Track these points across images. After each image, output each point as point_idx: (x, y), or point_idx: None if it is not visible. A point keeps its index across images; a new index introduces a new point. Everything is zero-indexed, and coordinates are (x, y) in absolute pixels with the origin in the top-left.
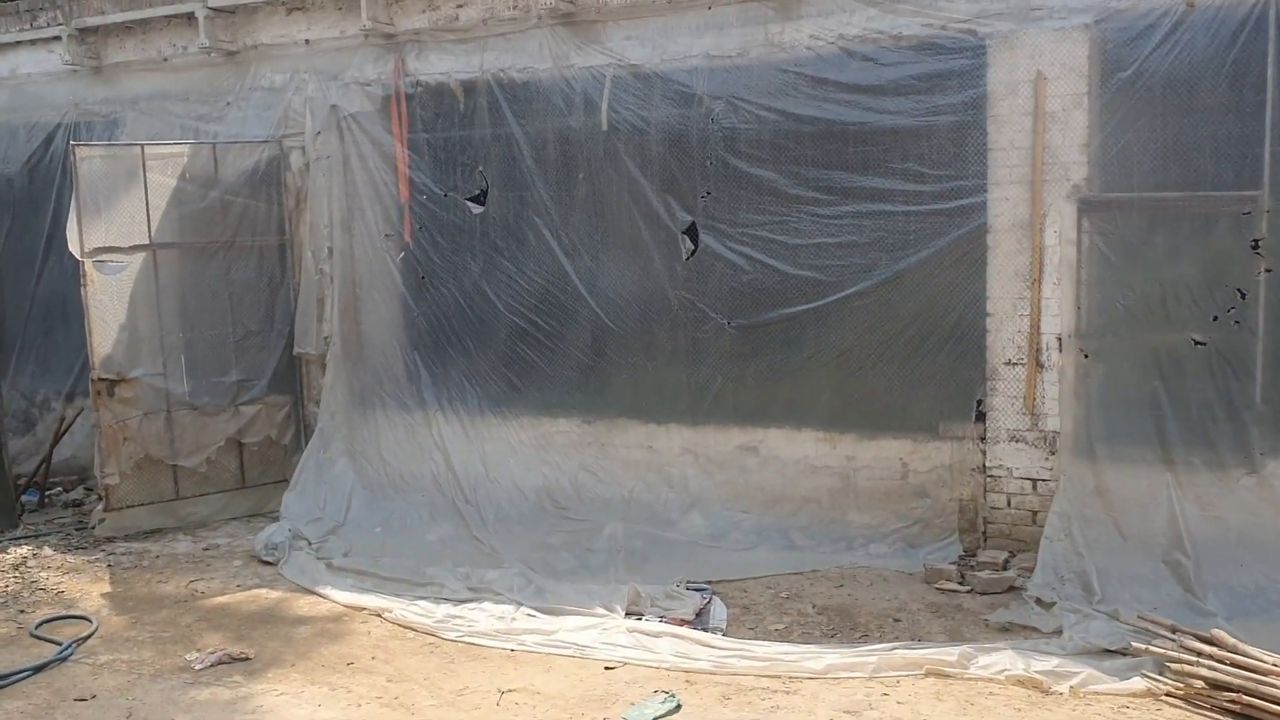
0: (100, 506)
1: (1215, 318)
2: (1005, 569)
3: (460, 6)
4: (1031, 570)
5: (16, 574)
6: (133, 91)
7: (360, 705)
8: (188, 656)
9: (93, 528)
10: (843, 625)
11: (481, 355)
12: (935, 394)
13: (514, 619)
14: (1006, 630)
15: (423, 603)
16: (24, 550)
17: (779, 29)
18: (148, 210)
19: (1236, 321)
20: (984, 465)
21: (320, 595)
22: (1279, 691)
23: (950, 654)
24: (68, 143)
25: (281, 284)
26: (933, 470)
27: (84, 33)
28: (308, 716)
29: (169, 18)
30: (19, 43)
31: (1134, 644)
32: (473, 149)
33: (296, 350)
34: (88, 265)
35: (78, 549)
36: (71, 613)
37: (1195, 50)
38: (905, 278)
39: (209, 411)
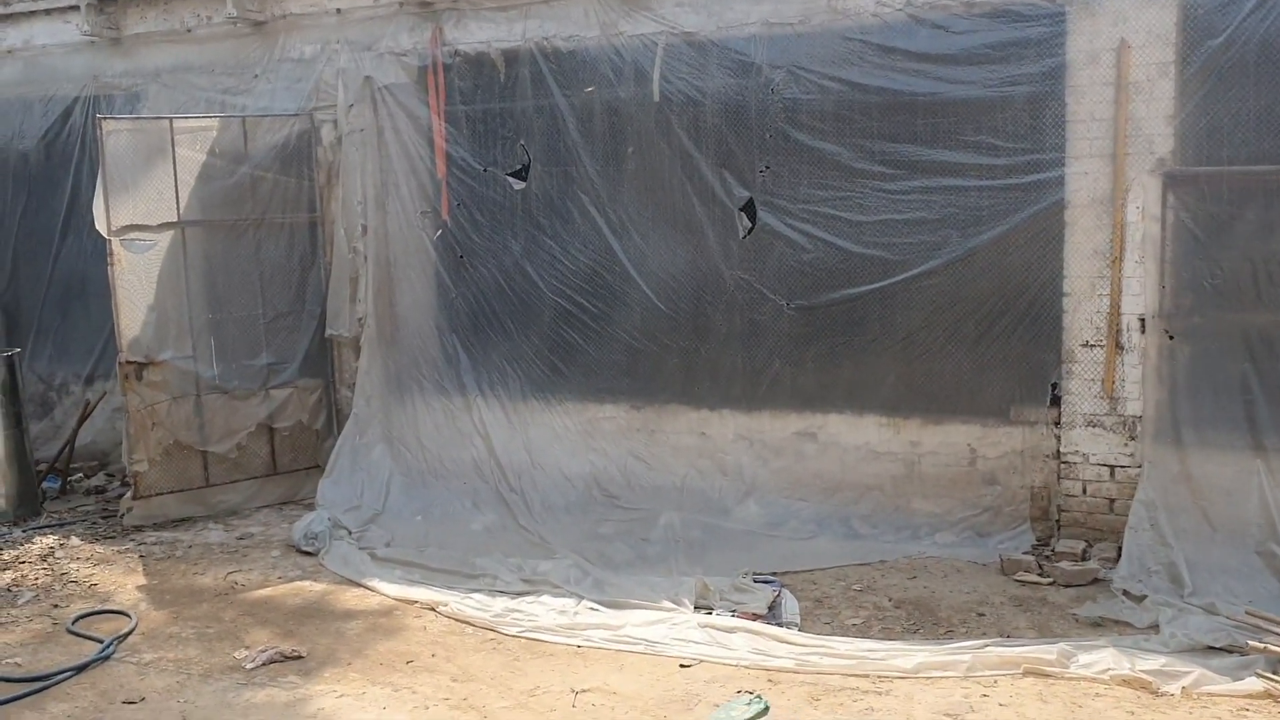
0: (128, 494)
1: None
2: (1085, 559)
3: None
4: (1113, 561)
5: (45, 565)
6: (154, 64)
7: (428, 708)
8: (237, 655)
9: (121, 516)
10: (924, 620)
11: (523, 338)
12: (1007, 377)
13: (576, 613)
14: (1098, 625)
15: (477, 595)
16: (50, 540)
17: None
18: (176, 186)
19: None
20: (1058, 451)
21: (367, 588)
22: None
23: (1048, 652)
24: (87, 117)
25: (313, 263)
26: (1003, 456)
27: (103, 2)
28: None
29: None
30: (33, 12)
31: (1249, 642)
32: (514, 122)
33: (328, 332)
34: (115, 244)
35: (106, 538)
36: (108, 607)
37: None
38: (977, 256)
39: (239, 395)
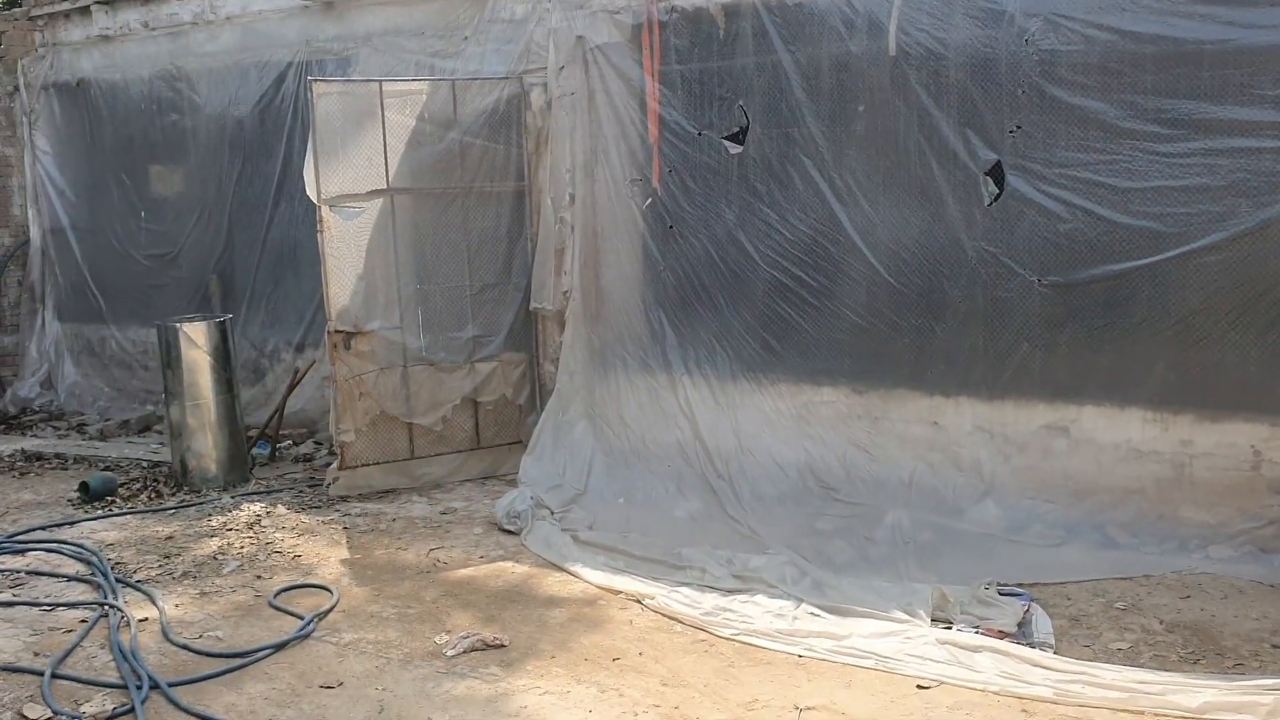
0: (334, 464)
1: None
2: None
3: None
4: None
5: (251, 533)
6: (365, 28)
7: (637, 715)
8: (437, 640)
9: (327, 486)
10: (1204, 649)
11: (734, 313)
12: None
13: (795, 617)
14: None
15: (685, 590)
16: (257, 507)
17: None
18: (385, 152)
19: None
20: None
21: (570, 573)
22: None
23: None
24: (299, 83)
25: (519, 234)
26: None
27: None
28: None
29: None
30: None
31: None
32: (733, 81)
33: (533, 305)
34: (325, 211)
35: (312, 508)
36: (310, 581)
37: None
38: (1272, 229)
39: (445, 368)
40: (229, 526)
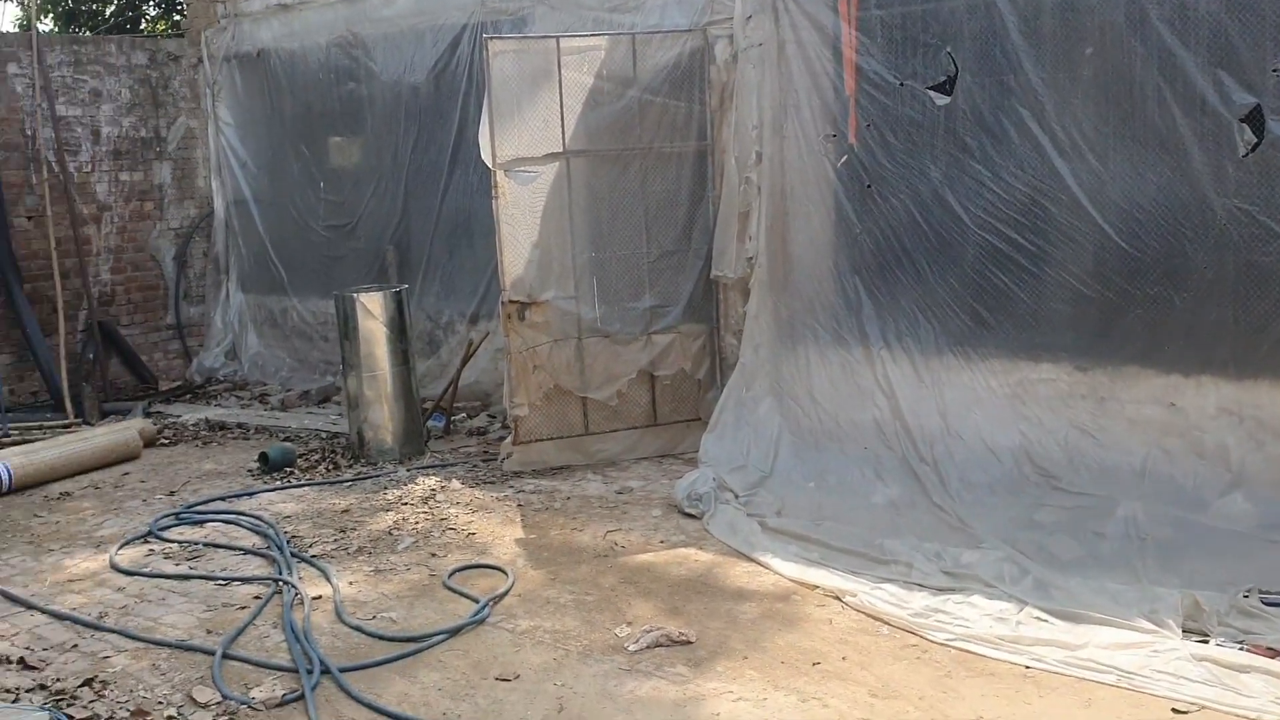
0: (508, 439)
1: None
2: None
3: None
4: None
5: (426, 509)
6: None
7: None
8: (618, 632)
9: (501, 461)
10: None
11: (940, 281)
12: None
13: (1019, 622)
14: None
15: (889, 586)
16: (432, 481)
17: None
18: (562, 113)
19: None
20: None
21: (759, 563)
22: None
23: None
24: (474, 46)
25: (701, 198)
26: None
27: None
28: None
29: None
30: None
31: None
32: (939, 25)
33: (714, 273)
34: (500, 176)
35: (486, 483)
36: (484, 561)
37: None
38: None
39: (620, 340)
40: (404, 501)
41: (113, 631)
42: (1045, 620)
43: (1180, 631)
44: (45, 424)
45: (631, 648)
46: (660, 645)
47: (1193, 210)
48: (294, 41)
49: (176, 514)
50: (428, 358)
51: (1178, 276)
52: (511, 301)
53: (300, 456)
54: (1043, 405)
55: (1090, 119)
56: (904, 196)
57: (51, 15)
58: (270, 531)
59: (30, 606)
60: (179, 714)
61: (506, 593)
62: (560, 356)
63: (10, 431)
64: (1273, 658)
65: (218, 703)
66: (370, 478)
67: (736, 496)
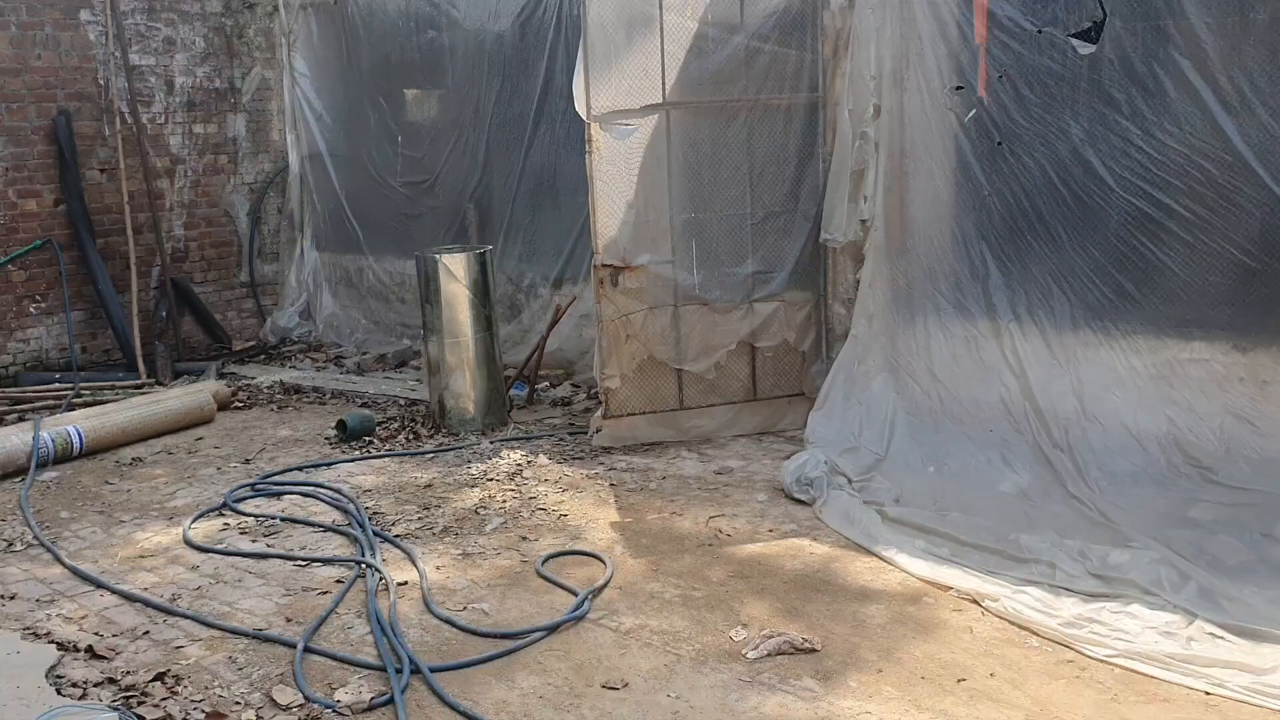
0: (598, 413)
1: None
2: None
3: None
4: None
5: (513, 485)
6: None
7: None
8: (733, 635)
9: (590, 436)
10: None
11: (1078, 249)
12: None
13: (1190, 638)
14: None
15: (1033, 590)
16: (518, 455)
17: None
18: (663, 61)
19: None
20: None
21: (881, 558)
22: None
23: None
24: None
25: (810, 154)
26: None
27: None
28: None
29: None
30: None
31: None
32: None
33: (823, 236)
34: (595, 129)
35: (574, 459)
36: (579, 547)
37: None
38: None
39: (719, 308)
40: (489, 476)
41: (186, 617)
42: (1220, 637)
43: None
44: (117, 384)
45: (750, 654)
46: (783, 653)
47: None
48: None
49: (252, 485)
50: (508, 322)
51: None
52: (604, 266)
53: (379, 424)
54: (1194, 388)
55: (1263, 69)
56: (1039, 155)
57: None
58: (351, 507)
59: (100, 585)
60: (258, 717)
61: (606, 584)
62: (655, 325)
63: (82, 391)
64: None
65: (299, 705)
66: (452, 449)
67: (850, 481)
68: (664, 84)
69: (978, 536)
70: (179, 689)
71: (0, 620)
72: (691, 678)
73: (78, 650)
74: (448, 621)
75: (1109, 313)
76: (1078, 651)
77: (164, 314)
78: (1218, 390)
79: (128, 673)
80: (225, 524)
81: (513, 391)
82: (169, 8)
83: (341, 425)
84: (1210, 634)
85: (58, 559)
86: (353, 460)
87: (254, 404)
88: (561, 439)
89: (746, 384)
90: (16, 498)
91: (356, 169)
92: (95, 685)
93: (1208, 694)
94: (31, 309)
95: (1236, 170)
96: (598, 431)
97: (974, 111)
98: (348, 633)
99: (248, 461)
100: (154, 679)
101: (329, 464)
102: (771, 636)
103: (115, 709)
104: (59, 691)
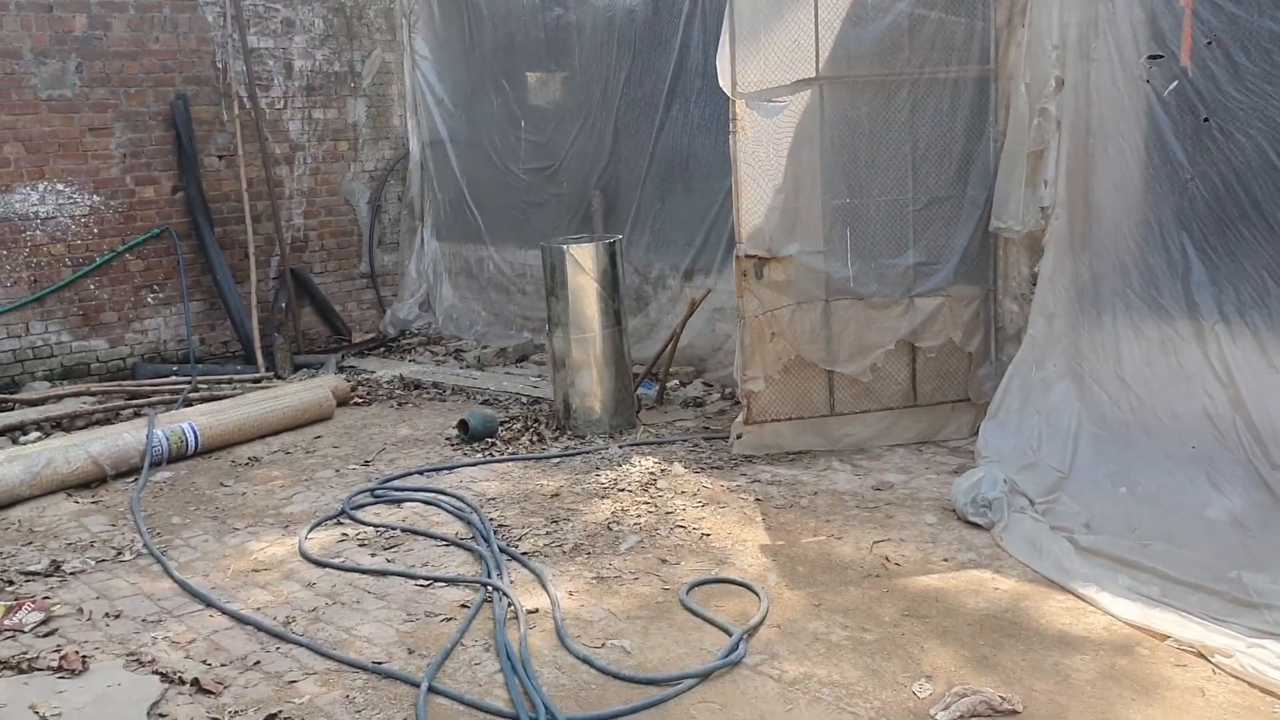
0: (739, 418)
1: None
2: None
3: None
4: None
5: (647, 497)
6: None
7: None
8: (917, 691)
9: (730, 443)
10: None
11: None
12: None
13: None
14: None
15: (1272, 645)
16: (650, 463)
17: None
18: (816, 31)
19: None
20: None
21: (1078, 596)
22: None
23: None
24: None
25: (980, 134)
26: None
27: None
28: None
29: None
30: None
31: None
32: None
33: (994, 224)
34: (740, 106)
35: (712, 468)
36: (726, 575)
37: None
38: None
39: (876, 304)
40: (620, 485)
41: (301, 644)
42: None
43: None
44: (235, 378)
45: (940, 716)
46: (978, 715)
47: None
48: None
49: (372, 490)
50: (634, 315)
51: None
52: (748, 256)
53: (502, 424)
54: None
55: None
56: (1255, 133)
57: None
58: (475, 519)
59: (210, 604)
60: None
61: (762, 621)
62: (803, 322)
63: (199, 385)
64: None
65: None
66: (579, 454)
67: (1032, 503)
68: (817, 56)
69: (1190, 573)
70: None
71: (104, 644)
72: None
73: (183, 683)
74: (585, 660)
75: None
76: None
77: (283, 305)
78: None
79: (236, 712)
80: (343, 534)
81: (641, 390)
82: None
83: (464, 425)
84: None
85: (167, 572)
86: (475, 464)
87: (373, 400)
88: (696, 444)
89: (906, 388)
90: (128, 500)
91: (478, 155)
92: None
93: None
94: (149, 299)
95: None
96: (738, 438)
97: (1175, 83)
98: (475, 669)
99: (367, 463)
100: None
101: (450, 468)
102: (965, 696)
103: None
104: None
